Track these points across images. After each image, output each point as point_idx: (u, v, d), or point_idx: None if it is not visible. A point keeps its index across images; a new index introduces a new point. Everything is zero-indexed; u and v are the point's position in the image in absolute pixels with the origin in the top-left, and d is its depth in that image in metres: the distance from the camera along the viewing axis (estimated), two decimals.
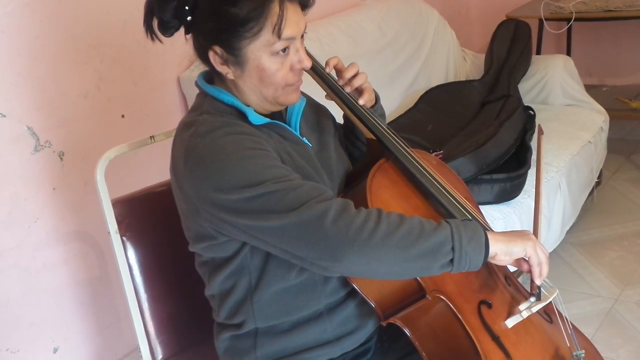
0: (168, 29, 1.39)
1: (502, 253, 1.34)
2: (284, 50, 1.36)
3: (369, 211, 1.28)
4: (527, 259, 1.37)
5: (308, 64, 1.41)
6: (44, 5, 2.13)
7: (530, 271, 1.39)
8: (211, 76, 1.47)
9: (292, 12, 1.35)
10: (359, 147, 1.68)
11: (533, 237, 1.39)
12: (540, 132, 1.80)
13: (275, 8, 1.33)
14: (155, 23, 1.39)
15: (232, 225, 1.32)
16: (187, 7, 1.35)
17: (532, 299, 1.44)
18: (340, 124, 1.69)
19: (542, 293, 1.46)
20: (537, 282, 1.40)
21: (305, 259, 1.28)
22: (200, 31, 1.38)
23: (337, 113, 1.65)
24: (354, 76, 1.54)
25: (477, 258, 1.30)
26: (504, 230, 1.43)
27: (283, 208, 1.27)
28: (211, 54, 1.37)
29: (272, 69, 1.37)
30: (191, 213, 1.38)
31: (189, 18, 1.36)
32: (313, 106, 1.60)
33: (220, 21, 1.33)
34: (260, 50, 1.35)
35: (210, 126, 1.35)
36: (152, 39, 1.40)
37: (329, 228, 1.24)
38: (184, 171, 1.34)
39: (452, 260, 1.29)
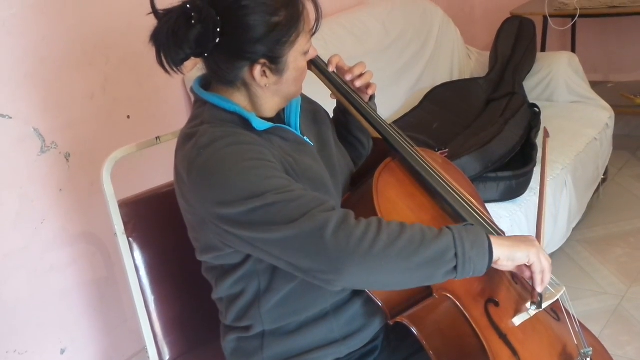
0: (182, 61, 1.34)
1: (505, 258, 1.32)
2: (310, 46, 1.40)
3: (369, 221, 1.26)
4: (529, 265, 1.35)
5: (315, 52, 1.45)
6: (49, 7, 2.14)
7: (532, 278, 1.37)
8: (207, 82, 1.45)
9: (321, 7, 1.39)
10: (351, 142, 1.67)
11: (537, 243, 1.36)
12: (546, 135, 1.75)
13: (309, 9, 1.35)
14: (172, 56, 1.33)
15: (237, 237, 1.31)
16: (218, 29, 1.30)
17: (533, 307, 1.41)
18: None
19: (549, 290, 1.46)
20: (539, 289, 1.38)
21: (308, 271, 1.26)
22: (235, 49, 1.33)
23: (330, 109, 1.67)
24: (362, 74, 1.56)
25: (481, 263, 1.28)
26: (508, 235, 1.42)
27: (284, 219, 1.24)
28: (256, 69, 1.34)
29: (304, 67, 1.41)
30: (198, 225, 1.37)
31: (217, 40, 1.31)
32: (308, 102, 1.60)
33: (263, 33, 1.31)
34: (296, 52, 1.36)
35: (211, 137, 1.33)
36: (171, 72, 1.35)
37: (329, 240, 1.22)
38: (188, 184, 1.34)
39: (455, 267, 1.26)
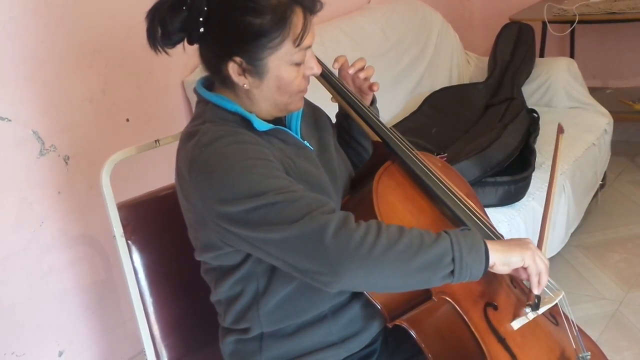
0: (172, 41, 1.37)
1: (500, 263, 1.33)
2: (301, 59, 1.38)
3: (368, 224, 1.27)
4: (525, 268, 1.36)
5: (318, 70, 1.43)
6: (49, 10, 2.14)
7: (528, 280, 1.38)
8: (211, 82, 1.45)
9: (310, 22, 1.36)
10: (354, 147, 1.67)
11: (532, 245, 1.38)
12: (560, 131, 1.71)
13: (298, 19, 1.34)
14: (158, 34, 1.36)
15: (237, 236, 1.31)
16: (201, 19, 1.32)
17: (528, 310, 1.41)
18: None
19: (548, 294, 1.46)
20: (536, 291, 1.39)
21: (306, 272, 1.27)
22: (217, 42, 1.35)
23: (332, 114, 1.67)
24: (362, 68, 1.57)
25: (477, 268, 1.30)
26: (504, 239, 1.44)
27: (284, 220, 1.26)
28: (231, 65, 1.35)
29: (291, 78, 1.38)
30: (198, 224, 1.37)
31: (201, 29, 1.34)
32: (310, 107, 1.60)
33: (243, 32, 1.32)
34: (280, 60, 1.35)
35: (213, 135, 1.34)
36: (157, 50, 1.38)
37: (330, 242, 1.23)
38: (189, 182, 1.34)
39: (452, 272, 1.28)
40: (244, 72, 1.36)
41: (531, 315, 1.41)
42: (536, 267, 1.36)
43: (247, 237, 1.30)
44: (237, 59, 1.34)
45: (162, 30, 1.35)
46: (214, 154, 1.31)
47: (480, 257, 1.30)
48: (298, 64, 1.38)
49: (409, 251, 1.25)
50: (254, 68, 1.35)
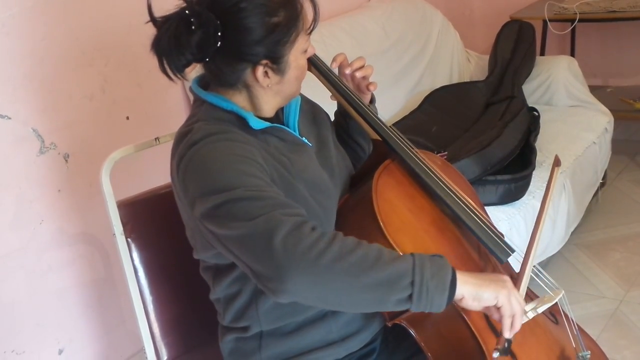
0: (183, 67, 1.33)
1: (470, 297, 1.24)
2: (308, 45, 1.40)
3: (323, 232, 1.20)
4: (498, 307, 1.26)
5: (313, 49, 1.45)
6: (49, 8, 2.14)
7: (500, 321, 1.27)
8: (206, 81, 1.45)
9: (319, 6, 1.39)
10: (352, 146, 1.67)
11: (510, 284, 1.28)
12: (557, 163, 1.64)
13: (308, 9, 1.35)
14: (174, 62, 1.31)
15: (212, 234, 1.28)
16: (219, 33, 1.29)
17: (496, 355, 1.29)
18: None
19: (548, 293, 1.46)
20: (507, 334, 1.27)
21: (258, 276, 1.21)
22: (235, 51, 1.32)
23: (331, 113, 1.67)
24: (361, 67, 1.58)
25: (439, 298, 1.20)
26: (480, 273, 1.34)
27: (244, 216, 1.21)
28: (258, 70, 1.34)
29: (305, 65, 1.41)
30: (192, 222, 1.37)
31: (218, 44, 1.30)
32: (308, 103, 1.60)
33: (263, 35, 1.31)
34: (297, 51, 1.37)
35: (203, 133, 1.32)
36: (177, 78, 1.33)
37: (277, 243, 1.16)
38: (177, 180, 1.34)
39: (410, 296, 1.19)
40: (266, 73, 1.36)
41: (531, 314, 1.40)
42: (510, 309, 1.26)
43: (218, 234, 1.26)
44: (264, 61, 1.34)
45: (179, 57, 1.30)
46: (200, 151, 1.30)
47: (443, 286, 1.20)
48: (306, 50, 1.40)
49: (361, 265, 1.17)
50: (278, 66, 1.36)
